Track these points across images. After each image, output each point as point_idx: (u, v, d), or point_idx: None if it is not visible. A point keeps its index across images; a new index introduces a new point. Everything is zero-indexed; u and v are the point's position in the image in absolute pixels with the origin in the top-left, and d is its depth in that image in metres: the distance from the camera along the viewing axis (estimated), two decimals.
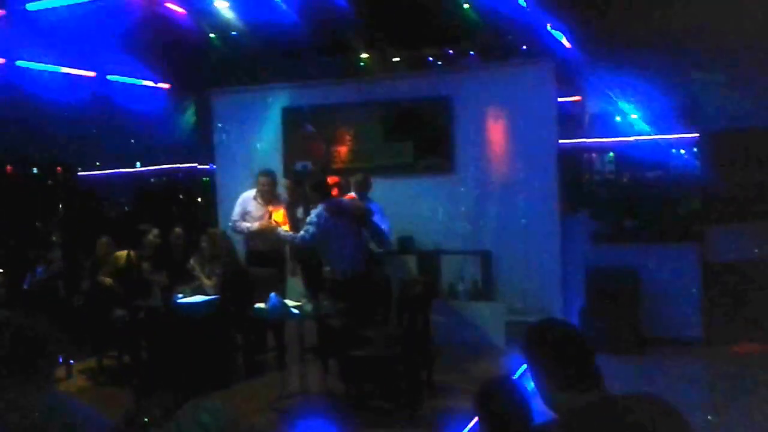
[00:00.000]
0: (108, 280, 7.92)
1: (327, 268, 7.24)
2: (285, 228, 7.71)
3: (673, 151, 10.87)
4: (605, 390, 2.37)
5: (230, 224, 8.61)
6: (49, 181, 11.08)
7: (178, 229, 8.42)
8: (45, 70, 9.27)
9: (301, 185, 8.26)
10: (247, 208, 8.46)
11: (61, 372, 7.36)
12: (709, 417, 5.86)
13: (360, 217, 7.45)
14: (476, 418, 3.00)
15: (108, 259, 8.15)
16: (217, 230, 8.51)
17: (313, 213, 7.13)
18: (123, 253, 8.08)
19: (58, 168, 11.12)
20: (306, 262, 7.99)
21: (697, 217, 9.16)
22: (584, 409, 2.29)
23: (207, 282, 7.71)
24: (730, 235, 8.54)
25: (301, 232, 7.15)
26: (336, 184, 8.20)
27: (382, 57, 10.64)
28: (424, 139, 9.22)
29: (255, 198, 8.45)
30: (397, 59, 10.79)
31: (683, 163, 10.63)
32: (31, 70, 9.17)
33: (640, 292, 8.36)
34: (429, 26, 9.61)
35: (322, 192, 7.30)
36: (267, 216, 8.16)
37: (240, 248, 8.53)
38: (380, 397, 6.44)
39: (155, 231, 8.25)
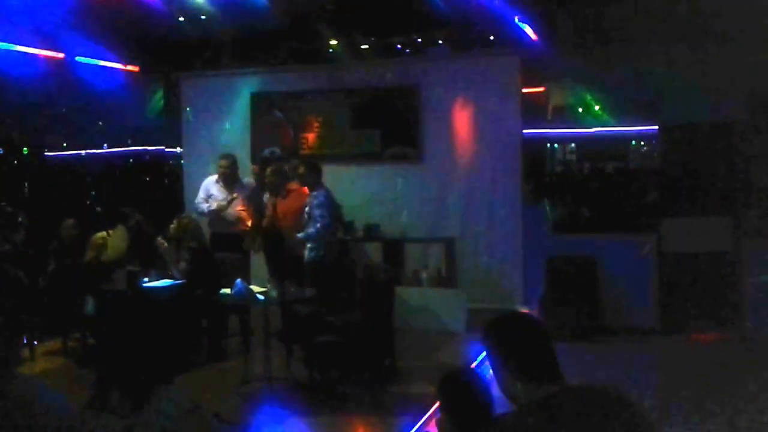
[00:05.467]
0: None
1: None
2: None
3: (633, 143, 11.07)
4: (564, 381, 2.39)
5: (193, 207, 8.70)
6: (15, 161, 10.99)
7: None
8: (13, 51, 9.17)
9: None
10: (211, 192, 8.55)
11: (24, 353, 7.33)
12: (664, 404, 6.06)
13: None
14: (437, 406, 3.05)
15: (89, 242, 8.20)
16: (185, 216, 8.51)
17: (318, 199, 7.23)
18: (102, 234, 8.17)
19: (24, 148, 11.01)
20: (271, 247, 8.03)
21: (654, 208, 9.38)
22: (543, 400, 2.31)
23: (174, 266, 7.74)
24: (686, 226, 8.77)
25: (318, 224, 7.21)
26: None
27: (351, 44, 10.65)
28: (392, 128, 9.27)
29: (217, 181, 8.51)
30: (366, 46, 10.80)
31: (642, 156, 10.84)
32: None
33: (599, 281, 8.57)
34: (398, 14, 9.65)
35: (316, 174, 7.41)
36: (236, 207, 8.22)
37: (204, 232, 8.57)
38: (343, 383, 6.55)
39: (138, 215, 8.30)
